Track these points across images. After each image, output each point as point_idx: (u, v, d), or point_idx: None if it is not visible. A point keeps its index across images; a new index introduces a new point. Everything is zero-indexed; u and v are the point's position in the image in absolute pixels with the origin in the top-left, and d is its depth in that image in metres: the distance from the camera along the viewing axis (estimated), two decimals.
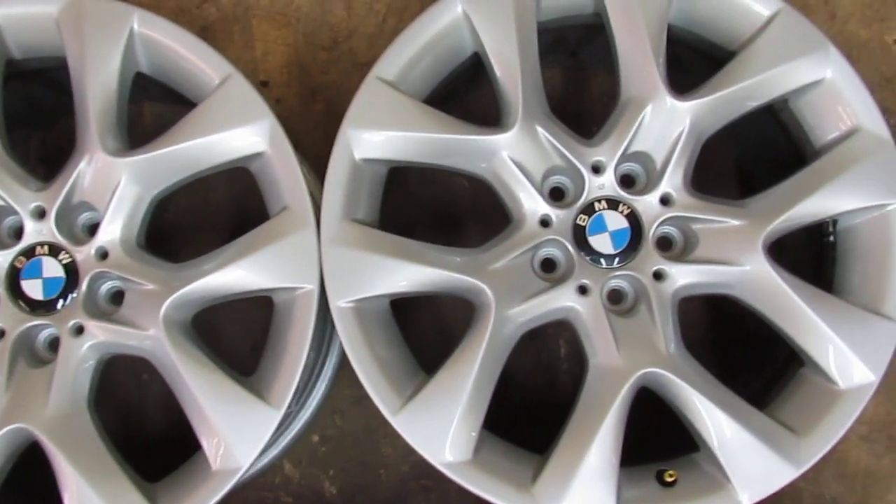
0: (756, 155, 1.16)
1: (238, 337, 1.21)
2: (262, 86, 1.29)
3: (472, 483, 0.87)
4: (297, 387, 1.08)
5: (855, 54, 1.30)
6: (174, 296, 0.89)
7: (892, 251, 0.92)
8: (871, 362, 0.89)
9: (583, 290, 0.93)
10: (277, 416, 0.88)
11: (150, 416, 1.21)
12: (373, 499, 1.21)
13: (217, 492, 0.88)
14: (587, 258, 0.94)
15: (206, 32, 1.30)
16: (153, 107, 1.27)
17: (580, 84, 1.28)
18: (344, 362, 1.21)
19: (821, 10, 1.31)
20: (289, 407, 1.09)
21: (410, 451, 1.20)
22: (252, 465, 1.15)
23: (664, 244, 0.97)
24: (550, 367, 1.23)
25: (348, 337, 0.89)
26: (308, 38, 1.29)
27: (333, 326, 1.12)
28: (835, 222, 0.97)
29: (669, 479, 0.90)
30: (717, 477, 0.89)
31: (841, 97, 0.94)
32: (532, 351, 1.23)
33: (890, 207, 0.93)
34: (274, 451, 1.20)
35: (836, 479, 1.22)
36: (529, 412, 1.22)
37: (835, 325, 0.89)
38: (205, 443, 0.89)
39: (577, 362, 1.08)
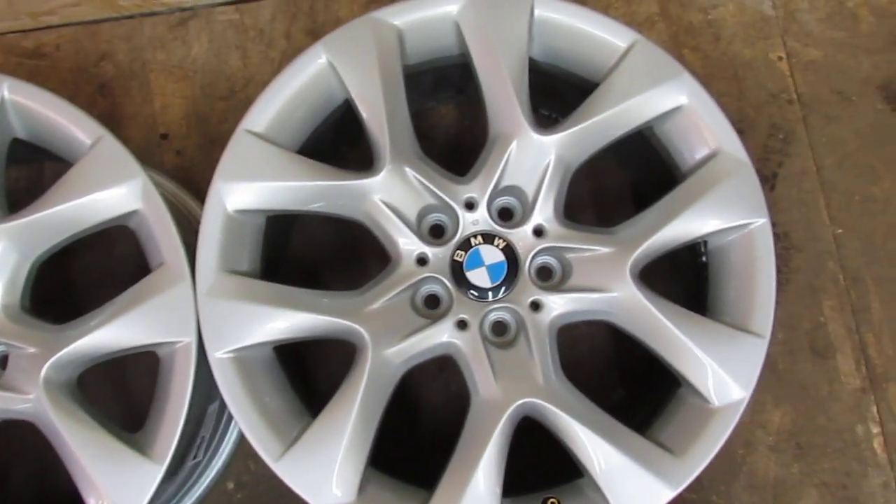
0: (649, 178, 1.19)
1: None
2: (162, 138, 1.31)
3: None
4: (202, 437, 1.10)
5: (741, 73, 1.34)
6: (54, 358, 0.90)
7: (756, 269, 0.94)
8: (741, 379, 0.91)
9: (462, 325, 0.95)
10: (159, 470, 0.89)
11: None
12: None
13: None
14: (466, 293, 0.96)
15: (105, 89, 1.32)
16: (54, 166, 1.28)
17: (474, 118, 1.31)
18: None
19: (706, 33, 1.35)
20: (196, 457, 1.10)
21: None
22: None
23: (544, 274, 0.99)
24: (461, 398, 1.25)
25: (227, 387, 0.90)
26: (205, 89, 1.31)
27: None
28: (705, 243, 0.99)
29: None
30: (597, 500, 0.90)
31: (699, 122, 0.97)
32: (441, 383, 1.24)
33: (753, 226, 0.95)
34: (189, 501, 1.20)
35: (746, 490, 1.24)
36: (440, 445, 1.23)
37: (703, 344, 0.91)
38: (89, 501, 0.89)
39: None
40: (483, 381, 0.92)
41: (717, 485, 1.24)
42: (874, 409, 1.26)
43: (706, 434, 0.91)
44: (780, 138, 1.33)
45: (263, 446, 0.90)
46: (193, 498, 1.20)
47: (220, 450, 1.21)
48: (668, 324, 0.91)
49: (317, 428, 0.90)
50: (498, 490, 0.89)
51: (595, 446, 0.89)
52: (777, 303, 1.26)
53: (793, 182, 1.32)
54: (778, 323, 1.26)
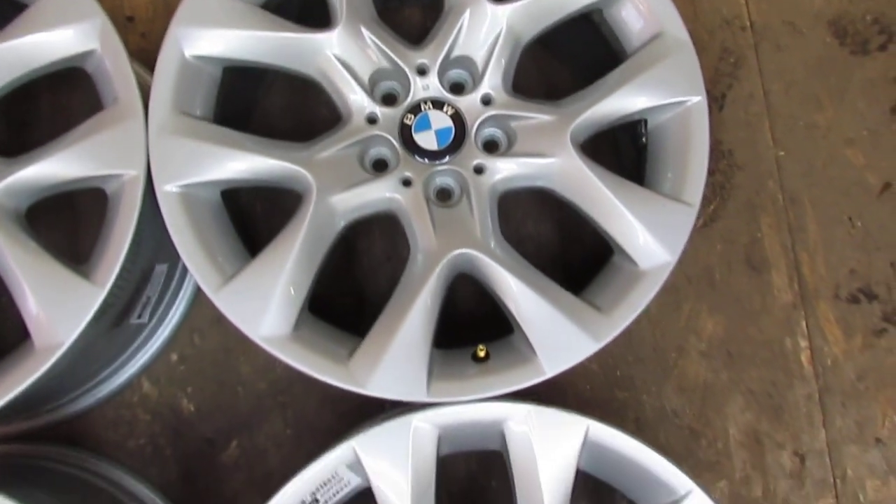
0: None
1: None
2: (128, 21, 1.33)
3: (289, 356, 0.91)
4: (148, 297, 1.12)
5: None
6: (2, 184, 0.92)
7: (691, 143, 0.98)
8: (669, 244, 0.95)
9: (406, 183, 0.98)
10: (100, 293, 0.91)
11: None
12: (230, 416, 1.24)
13: (38, 368, 0.90)
14: (413, 155, 0.99)
15: None
16: None
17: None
18: None
19: None
20: (140, 316, 1.12)
21: (268, 370, 1.25)
22: (110, 381, 1.18)
23: (490, 146, 1.02)
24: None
25: (172, 219, 0.92)
26: None
27: None
28: (646, 123, 1.03)
29: (481, 354, 0.95)
30: (525, 352, 0.94)
31: (645, 4, 1.00)
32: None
33: (689, 104, 0.99)
34: (131, 370, 1.22)
35: (676, 392, 1.28)
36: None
37: (636, 210, 0.95)
38: (28, 321, 0.91)
39: None
40: (422, 234, 0.95)
41: (649, 385, 1.28)
42: (803, 324, 1.30)
43: (633, 294, 0.94)
44: (731, 62, 1.38)
45: (204, 277, 0.92)
46: (137, 366, 1.22)
47: (167, 321, 1.23)
48: (604, 189, 0.95)
49: (257, 264, 0.93)
50: (428, 337, 0.91)
51: (526, 297, 0.92)
52: (717, 216, 1.31)
53: (740, 104, 1.36)
54: (716, 236, 1.30)
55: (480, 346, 0.95)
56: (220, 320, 1.25)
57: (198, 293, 1.26)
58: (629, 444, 0.91)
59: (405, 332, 0.91)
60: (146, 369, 1.23)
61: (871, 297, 1.32)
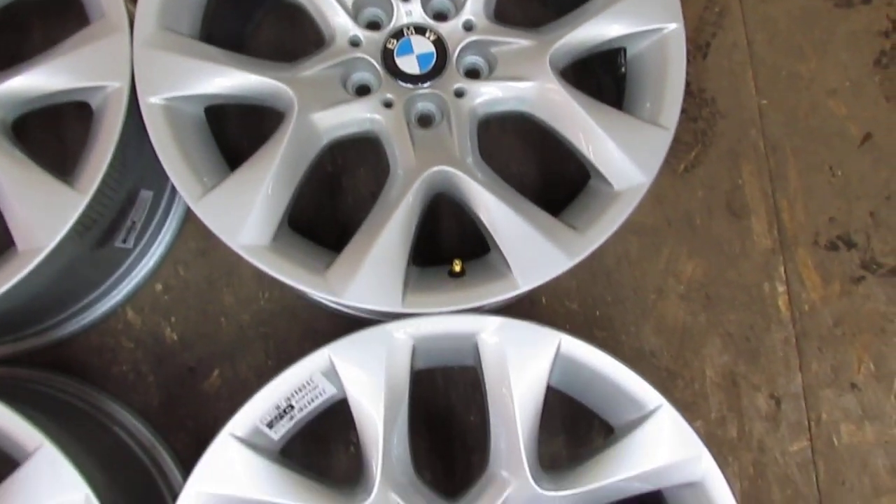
0: None
1: None
2: None
3: (266, 265, 0.92)
4: (133, 221, 1.13)
5: None
6: None
7: (668, 69, 0.99)
8: (644, 166, 0.96)
9: (387, 105, 0.99)
10: (83, 200, 0.92)
11: None
12: (213, 345, 1.26)
13: (19, 270, 0.91)
14: (394, 78, 1.00)
15: None
16: None
17: None
18: (188, 215, 1.26)
19: None
20: (125, 241, 1.14)
21: (252, 301, 1.26)
22: (94, 308, 1.20)
23: (471, 74, 1.03)
24: None
25: (155, 129, 0.93)
26: None
27: None
28: (625, 52, 1.04)
29: (457, 269, 0.96)
30: (500, 268, 0.95)
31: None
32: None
33: (666, 31, 1.00)
34: (116, 298, 1.24)
35: (654, 333, 1.30)
36: None
37: (613, 132, 0.96)
38: (11, 225, 0.92)
39: None
40: (402, 154, 0.97)
41: (628, 326, 1.30)
42: (782, 269, 1.32)
43: (608, 214, 0.95)
44: (716, 11, 1.39)
45: (185, 187, 0.93)
46: (122, 294, 1.24)
47: (151, 250, 1.24)
48: (583, 111, 0.96)
49: (237, 175, 0.94)
50: (406, 250, 0.93)
51: (501, 213, 0.94)
52: (699, 162, 1.33)
53: (724, 53, 1.38)
54: (697, 182, 1.32)
55: (456, 261, 0.96)
56: (204, 253, 1.27)
57: (183, 225, 1.28)
58: (600, 358, 0.93)
59: (382, 244, 0.92)
60: (130, 298, 1.25)
61: (850, 245, 1.33)
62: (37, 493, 0.87)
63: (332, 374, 0.92)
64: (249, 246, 0.92)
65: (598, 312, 1.29)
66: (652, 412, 0.92)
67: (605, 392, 0.95)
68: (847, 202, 1.34)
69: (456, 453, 1.25)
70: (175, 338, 1.25)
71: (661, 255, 1.31)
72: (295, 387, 0.91)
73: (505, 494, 0.91)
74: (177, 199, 1.25)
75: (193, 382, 1.24)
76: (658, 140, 0.96)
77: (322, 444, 1.22)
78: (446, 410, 1.26)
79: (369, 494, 0.90)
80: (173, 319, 1.26)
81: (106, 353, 1.24)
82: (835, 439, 1.28)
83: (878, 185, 1.35)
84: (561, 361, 0.93)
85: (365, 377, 0.91)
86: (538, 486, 0.91)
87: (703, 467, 0.92)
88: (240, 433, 0.90)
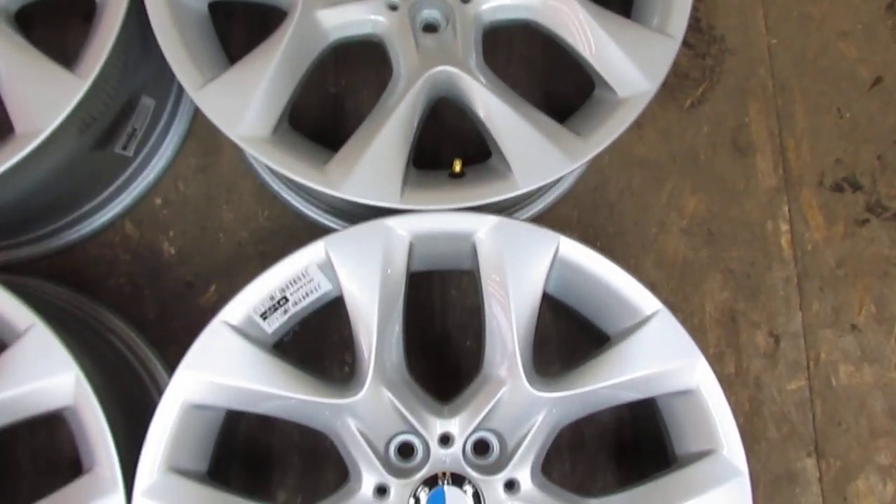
0: None
1: None
2: None
3: (265, 156, 0.91)
4: (134, 128, 1.12)
5: None
6: None
7: None
8: (650, 73, 0.95)
9: (392, 7, 0.98)
10: (83, 85, 0.91)
11: None
12: (210, 261, 1.25)
13: (17, 152, 0.90)
14: None
15: None
16: None
17: None
18: (190, 131, 1.26)
19: None
20: (125, 147, 1.13)
21: (250, 219, 1.26)
22: (93, 219, 1.19)
23: None
24: None
25: (157, 18, 0.92)
26: None
27: (181, 89, 1.15)
28: None
29: (457, 169, 0.95)
30: (501, 170, 0.94)
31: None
32: None
33: None
34: (115, 210, 1.23)
35: (655, 267, 1.29)
36: None
37: (620, 39, 0.95)
38: (11, 109, 0.92)
39: None
40: (405, 56, 0.96)
41: (629, 258, 1.29)
42: (786, 208, 1.31)
43: (611, 120, 0.94)
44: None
45: (185, 76, 0.92)
46: (121, 206, 1.23)
47: (151, 163, 1.24)
48: (589, 18, 0.95)
49: (239, 67, 0.94)
50: (406, 147, 0.92)
51: (504, 114, 0.93)
52: (705, 99, 1.32)
53: None
54: (703, 118, 1.31)
55: (457, 161, 0.95)
56: (205, 169, 1.26)
57: (185, 141, 1.27)
58: (598, 261, 0.92)
59: (382, 139, 0.91)
60: (129, 211, 1.24)
61: (856, 187, 1.32)
62: (27, 372, 0.86)
63: (327, 267, 0.91)
64: (248, 137, 0.92)
65: (598, 243, 1.28)
66: (649, 318, 0.91)
67: (603, 298, 0.94)
68: (854, 145, 1.33)
69: (451, 379, 1.24)
70: (173, 252, 1.25)
71: (664, 189, 1.30)
72: (290, 278, 0.91)
73: (499, 394, 0.91)
74: (179, 113, 1.25)
75: (190, 297, 1.24)
76: (665, 48, 0.96)
77: (318, 362, 1.22)
78: (442, 336, 1.25)
79: (361, 389, 0.89)
80: (171, 234, 1.25)
81: (103, 264, 1.24)
82: (833, 380, 1.27)
83: (886, 129, 1.33)
84: (559, 266, 0.93)
85: (360, 271, 0.90)
86: (532, 386, 0.90)
87: (699, 375, 0.91)
88: (233, 321, 0.89)
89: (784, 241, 1.30)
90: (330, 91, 1.28)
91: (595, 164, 1.29)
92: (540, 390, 0.90)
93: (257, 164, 1.23)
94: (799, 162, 1.32)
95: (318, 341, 1.21)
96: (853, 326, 1.28)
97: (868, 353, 1.27)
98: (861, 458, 1.24)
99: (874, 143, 1.33)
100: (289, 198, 1.21)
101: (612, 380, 0.90)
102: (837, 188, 1.32)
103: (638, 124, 1.29)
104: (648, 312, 0.91)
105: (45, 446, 1.17)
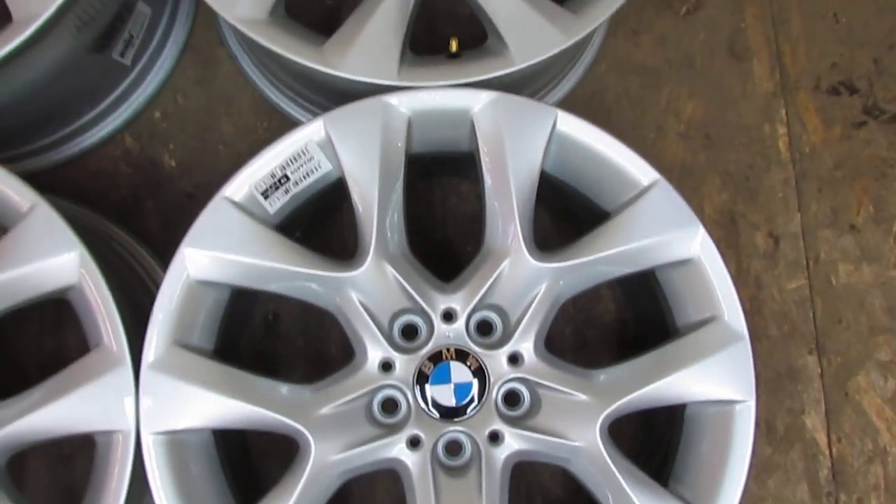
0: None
1: None
2: None
3: (262, 36, 0.91)
4: (131, 34, 1.12)
5: None
6: None
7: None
8: None
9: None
10: None
11: None
12: (211, 173, 1.26)
13: (14, 37, 0.90)
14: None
15: None
16: None
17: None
18: (188, 43, 1.26)
19: None
20: (123, 55, 1.13)
21: (250, 131, 1.27)
22: (92, 132, 1.20)
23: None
24: None
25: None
26: None
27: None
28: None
29: (454, 48, 0.96)
30: (498, 48, 0.94)
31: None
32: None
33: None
34: (114, 123, 1.24)
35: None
36: None
37: None
38: None
39: None
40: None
41: None
42: (783, 111, 1.31)
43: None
44: None
45: None
46: (120, 119, 1.24)
47: (150, 75, 1.24)
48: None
49: None
50: (403, 24, 0.92)
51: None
52: (701, 5, 1.32)
53: None
54: (699, 24, 1.31)
55: (453, 40, 0.96)
56: (203, 82, 1.27)
57: (182, 54, 1.27)
58: (596, 134, 0.92)
59: (379, 18, 0.92)
60: (129, 124, 1.25)
61: (853, 90, 1.32)
62: (32, 251, 0.86)
63: (327, 146, 0.92)
64: (246, 19, 0.92)
65: None
66: (647, 188, 0.92)
67: (601, 172, 0.94)
68: (850, 49, 1.33)
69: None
70: (173, 164, 1.25)
71: (662, 94, 1.31)
72: (290, 156, 0.91)
73: (500, 267, 0.91)
74: (176, 25, 1.25)
75: (192, 208, 1.23)
76: None
77: None
78: (444, 242, 1.26)
79: (363, 263, 0.90)
80: (172, 146, 1.26)
81: (104, 178, 1.25)
82: (832, 279, 1.28)
83: (882, 34, 1.34)
84: (558, 141, 0.93)
85: (360, 146, 0.90)
86: (533, 258, 0.90)
87: (698, 244, 0.91)
88: (235, 198, 0.89)
89: (782, 143, 1.31)
90: (326, 2, 1.29)
91: (592, 71, 1.30)
92: (541, 261, 0.90)
93: (255, 76, 1.24)
94: (795, 66, 1.32)
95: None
96: (852, 226, 1.29)
97: (867, 252, 1.28)
98: (861, 355, 1.25)
99: (870, 47, 1.33)
100: (287, 108, 1.22)
101: (613, 249, 0.90)
102: (834, 92, 1.32)
103: (634, 31, 1.31)
104: (647, 183, 0.91)
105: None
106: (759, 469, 1.22)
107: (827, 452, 1.22)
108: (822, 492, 1.22)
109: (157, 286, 1.13)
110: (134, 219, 1.23)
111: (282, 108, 1.22)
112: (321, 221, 1.22)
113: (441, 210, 1.26)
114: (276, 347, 1.21)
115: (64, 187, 1.23)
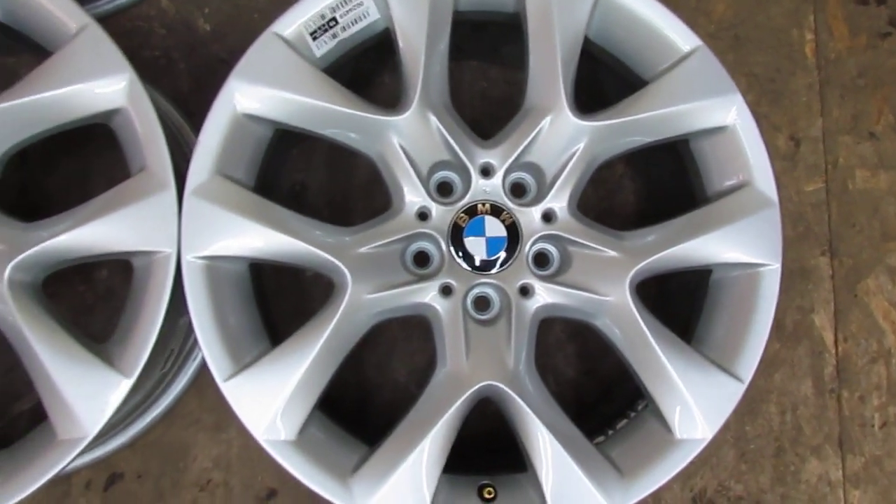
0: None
1: None
2: None
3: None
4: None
5: None
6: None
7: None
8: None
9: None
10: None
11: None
12: (246, 39, 1.23)
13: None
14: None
15: None
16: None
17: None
18: None
19: None
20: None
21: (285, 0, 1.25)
22: None
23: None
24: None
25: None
26: None
27: None
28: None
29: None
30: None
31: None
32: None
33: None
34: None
35: None
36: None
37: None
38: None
39: None
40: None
41: None
42: (811, 18, 1.32)
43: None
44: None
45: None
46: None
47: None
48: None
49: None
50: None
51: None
52: None
53: None
54: None
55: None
56: None
57: None
58: None
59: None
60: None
61: (881, 1, 1.34)
62: (82, 70, 0.86)
63: None
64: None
65: None
66: (688, 55, 0.93)
67: (643, 38, 0.95)
68: None
69: None
70: (208, 29, 1.25)
71: None
72: None
73: (542, 123, 0.92)
74: None
75: (224, 73, 1.24)
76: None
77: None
78: (472, 122, 1.26)
79: (408, 108, 0.91)
80: (207, 10, 1.25)
81: (138, 36, 1.24)
82: (849, 183, 1.30)
83: None
84: (601, 7, 0.94)
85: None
86: (573, 115, 0.92)
87: (735, 112, 0.93)
88: (284, 34, 0.90)
89: (808, 49, 1.32)
90: None
91: None
92: (581, 119, 0.92)
93: None
94: None
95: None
96: (871, 134, 1.31)
97: (884, 159, 1.30)
98: (872, 259, 1.28)
99: None
100: None
101: (653, 111, 0.92)
102: (862, 1, 1.33)
103: None
104: (688, 49, 0.92)
105: None
106: (766, 363, 1.25)
107: (833, 350, 1.25)
108: (826, 388, 1.25)
109: (187, 145, 1.15)
110: (166, 80, 1.23)
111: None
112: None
113: (469, 92, 1.27)
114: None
115: None
